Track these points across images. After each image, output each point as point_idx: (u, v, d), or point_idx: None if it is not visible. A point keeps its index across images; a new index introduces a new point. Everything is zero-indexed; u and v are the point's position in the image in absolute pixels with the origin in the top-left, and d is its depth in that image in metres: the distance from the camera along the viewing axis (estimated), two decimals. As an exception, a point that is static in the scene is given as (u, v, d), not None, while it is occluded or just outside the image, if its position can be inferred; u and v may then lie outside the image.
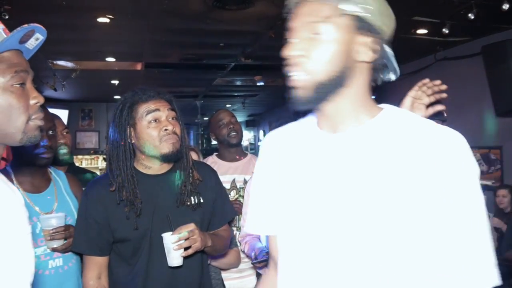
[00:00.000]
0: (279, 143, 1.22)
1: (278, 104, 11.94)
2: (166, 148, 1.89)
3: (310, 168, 1.11)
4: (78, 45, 5.59)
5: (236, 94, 10.08)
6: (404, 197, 0.97)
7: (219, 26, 4.85)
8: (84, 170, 3.34)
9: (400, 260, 0.97)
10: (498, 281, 0.94)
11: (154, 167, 1.98)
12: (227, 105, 10.78)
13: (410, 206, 0.96)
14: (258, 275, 2.65)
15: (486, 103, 5.16)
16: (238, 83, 8.51)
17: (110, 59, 6.38)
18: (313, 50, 1.04)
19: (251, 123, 14.44)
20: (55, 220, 2.03)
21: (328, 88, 1.04)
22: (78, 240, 1.98)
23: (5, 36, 1.12)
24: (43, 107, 2.06)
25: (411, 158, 0.98)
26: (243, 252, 2.82)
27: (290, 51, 1.05)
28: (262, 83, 8.18)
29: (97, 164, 10.61)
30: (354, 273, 1.00)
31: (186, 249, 1.81)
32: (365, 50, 1.05)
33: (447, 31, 4.66)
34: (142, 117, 1.91)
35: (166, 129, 1.89)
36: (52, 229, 2.01)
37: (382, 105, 1.11)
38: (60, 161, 2.72)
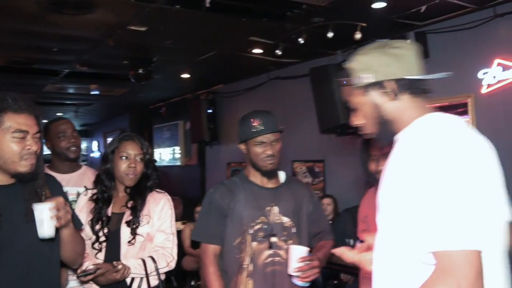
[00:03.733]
0: None
1: (114, 115, 11.61)
2: (24, 167, 1.83)
3: None
4: None
5: (69, 102, 9.57)
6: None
7: (54, 30, 4.58)
8: None
9: None
10: None
11: (2, 179, 1.88)
12: (58, 113, 10.15)
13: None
14: None
15: (312, 120, 5.64)
16: (72, 90, 8.10)
17: None
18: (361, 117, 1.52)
19: (84, 133, 13.76)
20: None
21: (384, 132, 1.48)
22: None
23: None
24: None
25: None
26: None
27: (354, 122, 1.56)
28: (97, 92, 7.90)
29: None
30: None
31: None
32: (383, 97, 1.43)
33: (280, 53, 5.05)
34: (7, 128, 1.79)
35: (29, 149, 1.82)
36: None
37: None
38: None
